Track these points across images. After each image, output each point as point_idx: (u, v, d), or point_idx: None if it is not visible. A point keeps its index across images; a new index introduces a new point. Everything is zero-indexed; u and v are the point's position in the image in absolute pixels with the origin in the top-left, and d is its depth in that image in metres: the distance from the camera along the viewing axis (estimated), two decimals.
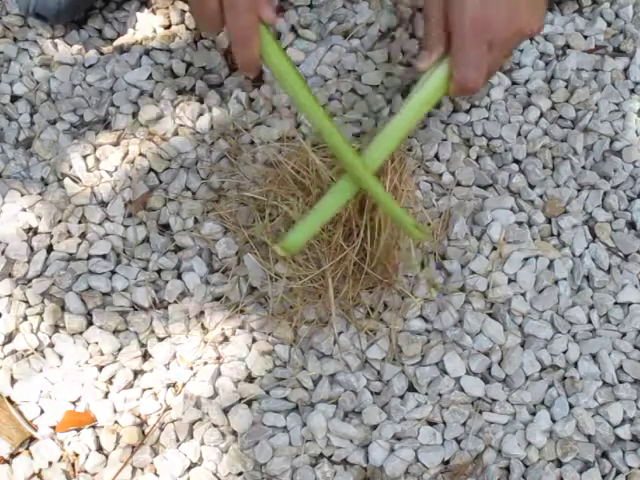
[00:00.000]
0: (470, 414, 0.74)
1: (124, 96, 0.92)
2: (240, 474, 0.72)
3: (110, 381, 0.76)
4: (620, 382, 0.76)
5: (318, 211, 0.68)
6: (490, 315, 0.79)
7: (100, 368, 0.76)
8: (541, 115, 0.91)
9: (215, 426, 0.74)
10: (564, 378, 0.77)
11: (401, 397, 0.75)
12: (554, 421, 0.74)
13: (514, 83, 0.93)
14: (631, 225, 0.85)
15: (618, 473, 0.73)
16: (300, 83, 0.65)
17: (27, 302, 0.80)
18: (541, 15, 0.70)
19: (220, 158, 0.87)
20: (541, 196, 0.86)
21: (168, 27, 0.98)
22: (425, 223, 0.82)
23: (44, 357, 0.77)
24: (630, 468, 0.73)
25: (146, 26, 0.98)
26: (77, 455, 0.73)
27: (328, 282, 0.75)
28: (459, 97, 0.71)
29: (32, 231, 0.84)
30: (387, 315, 0.78)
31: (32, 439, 0.74)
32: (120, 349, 0.77)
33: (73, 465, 0.73)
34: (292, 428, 0.74)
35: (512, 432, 0.74)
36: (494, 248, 0.82)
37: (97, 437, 0.74)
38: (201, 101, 0.91)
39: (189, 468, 0.72)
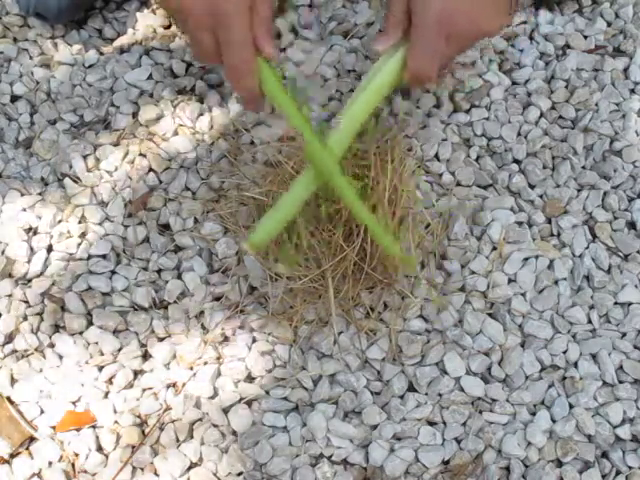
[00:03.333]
0: (470, 414, 0.74)
1: (124, 96, 0.91)
2: (240, 474, 0.72)
3: (110, 381, 0.76)
4: (620, 382, 0.76)
5: (280, 208, 0.68)
6: (490, 315, 0.79)
7: (100, 368, 0.76)
8: (541, 115, 0.91)
9: (215, 426, 0.74)
10: (564, 378, 0.77)
11: (401, 397, 0.75)
12: (554, 421, 0.74)
13: (514, 83, 0.93)
14: (631, 225, 0.85)
15: (618, 473, 0.73)
16: (300, 115, 0.65)
17: (27, 302, 0.80)
18: (504, 17, 0.69)
19: (220, 158, 0.87)
20: (541, 196, 0.86)
21: (168, 27, 0.98)
22: (425, 223, 0.82)
23: (44, 357, 0.77)
24: (630, 468, 0.73)
25: (146, 26, 0.98)
26: (77, 455, 0.73)
27: (328, 282, 0.75)
28: (413, 87, 0.70)
29: (32, 231, 0.84)
30: (387, 315, 0.78)
31: (32, 439, 0.74)
32: (120, 349, 0.77)
33: (73, 465, 0.73)
34: (292, 428, 0.74)
35: (512, 432, 0.74)
36: (494, 248, 0.82)
37: (97, 437, 0.74)
38: (201, 101, 0.91)
39: (189, 468, 0.72)
